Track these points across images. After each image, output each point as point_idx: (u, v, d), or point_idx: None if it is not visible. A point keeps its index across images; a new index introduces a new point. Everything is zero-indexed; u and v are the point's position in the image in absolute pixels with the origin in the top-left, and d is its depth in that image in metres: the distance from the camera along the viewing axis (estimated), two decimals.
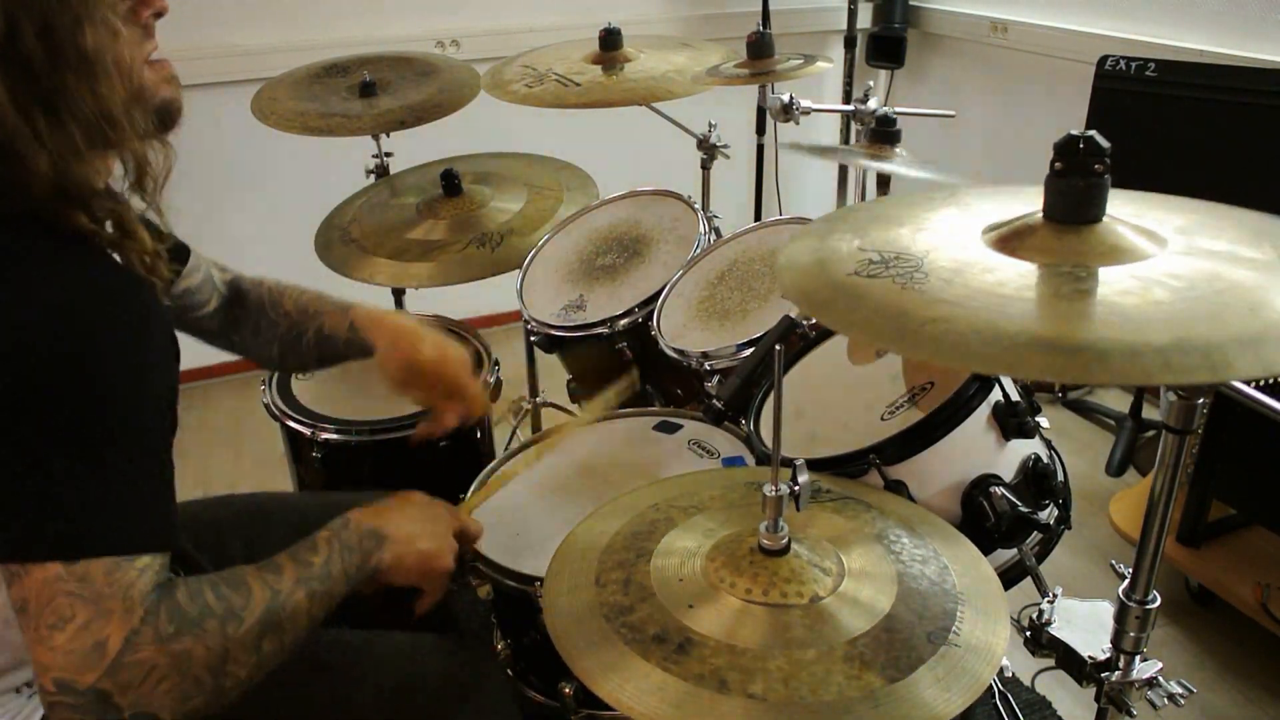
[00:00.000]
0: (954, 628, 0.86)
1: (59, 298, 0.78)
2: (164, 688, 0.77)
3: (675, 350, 1.55)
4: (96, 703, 0.75)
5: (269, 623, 0.85)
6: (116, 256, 0.88)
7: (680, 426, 1.49)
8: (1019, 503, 1.12)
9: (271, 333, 1.29)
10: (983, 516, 1.12)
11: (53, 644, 0.75)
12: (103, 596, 0.76)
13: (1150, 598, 0.93)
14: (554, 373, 2.02)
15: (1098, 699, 0.98)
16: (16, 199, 0.81)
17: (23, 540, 0.76)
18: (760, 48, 1.74)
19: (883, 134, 1.45)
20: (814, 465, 0.92)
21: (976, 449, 1.16)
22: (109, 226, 0.87)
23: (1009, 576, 1.18)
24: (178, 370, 0.89)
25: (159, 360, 0.84)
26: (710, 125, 1.99)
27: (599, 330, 1.68)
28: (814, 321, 1.35)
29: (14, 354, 0.75)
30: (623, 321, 1.67)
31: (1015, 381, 1.21)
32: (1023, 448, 1.19)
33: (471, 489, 1.37)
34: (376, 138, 2.11)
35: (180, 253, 1.21)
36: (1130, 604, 0.93)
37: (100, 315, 0.79)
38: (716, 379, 1.48)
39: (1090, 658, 0.97)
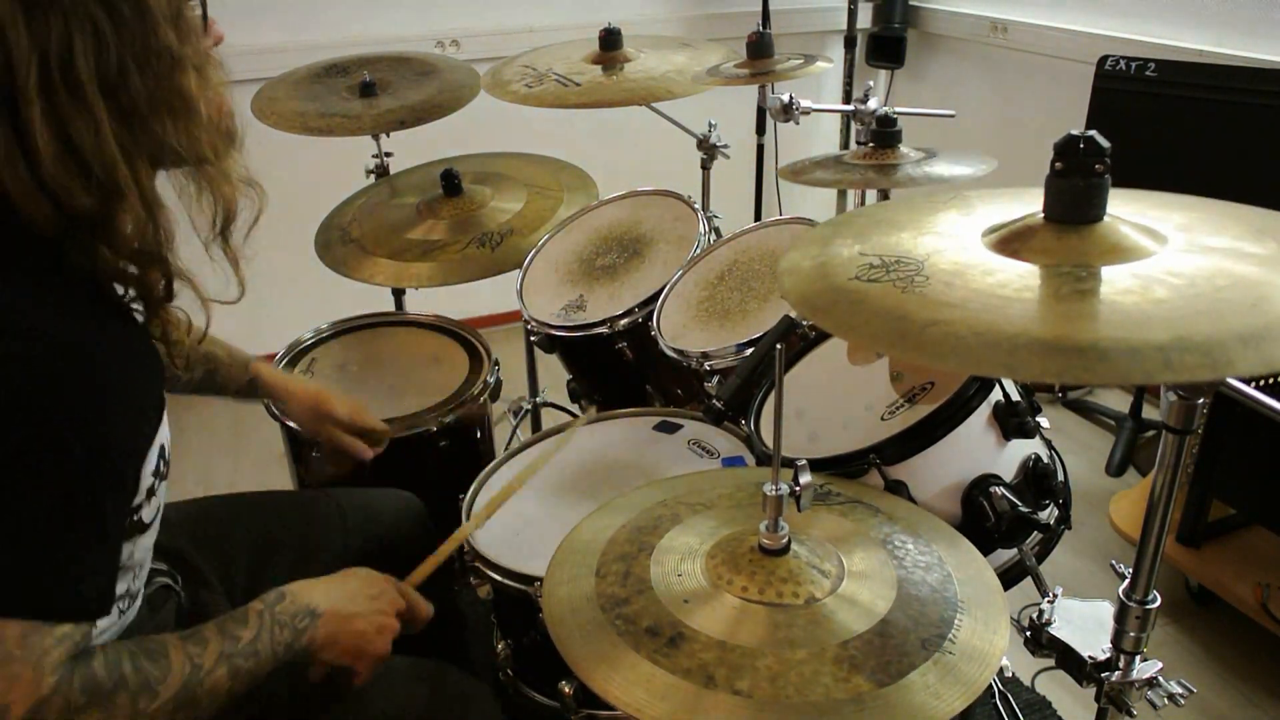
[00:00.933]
0: (950, 635, 0.86)
1: (22, 341, 0.75)
2: None
3: (675, 350, 1.55)
4: None
5: (184, 699, 0.83)
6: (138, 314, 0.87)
7: (680, 426, 1.49)
8: (1019, 503, 1.12)
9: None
10: (983, 516, 1.12)
11: None
12: (12, 659, 0.73)
13: (1150, 598, 0.93)
14: (554, 373, 2.02)
15: (1098, 699, 0.98)
16: (98, 249, 0.80)
17: None
18: (760, 48, 1.74)
19: (883, 134, 1.44)
20: (814, 465, 0.92)
21: (977, 449, 1.16)
22: (155, 293, 0.86)
23: (1009, 576, 1.18)
24: (150, 433, 0.86)
25: (135, 422, 0.82)
26: (710, 125, 1.99)
27: (599, 330, 1.68)
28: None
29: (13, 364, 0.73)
30: (623, 321, 1.67)
31: (1015, 381, 1.21)
32: (1023, 448, 1.19)
33: (469, 501, 1.37)
34: (376, 138, 2.11)
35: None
36: (1130, 604, 0.93)
37: (58, 374, 0.75)
38: (716, 379, 1.48)
39: (1090, 658, 0.97)
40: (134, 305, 0.89)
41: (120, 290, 0.87)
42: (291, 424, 1.54)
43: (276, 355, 1.83)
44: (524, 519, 1.32)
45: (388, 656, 1.03)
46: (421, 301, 2.15)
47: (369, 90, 1.97)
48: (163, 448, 0.92)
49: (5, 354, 0.73)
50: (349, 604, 1.00)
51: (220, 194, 0.87)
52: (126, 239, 0.81)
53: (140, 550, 0.98)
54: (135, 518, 0.92)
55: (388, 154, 2.17)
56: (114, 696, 0.78)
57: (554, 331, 1.73)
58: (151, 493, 0.92)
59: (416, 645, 1.48)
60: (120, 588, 0.95)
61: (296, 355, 1.84)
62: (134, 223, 0.81)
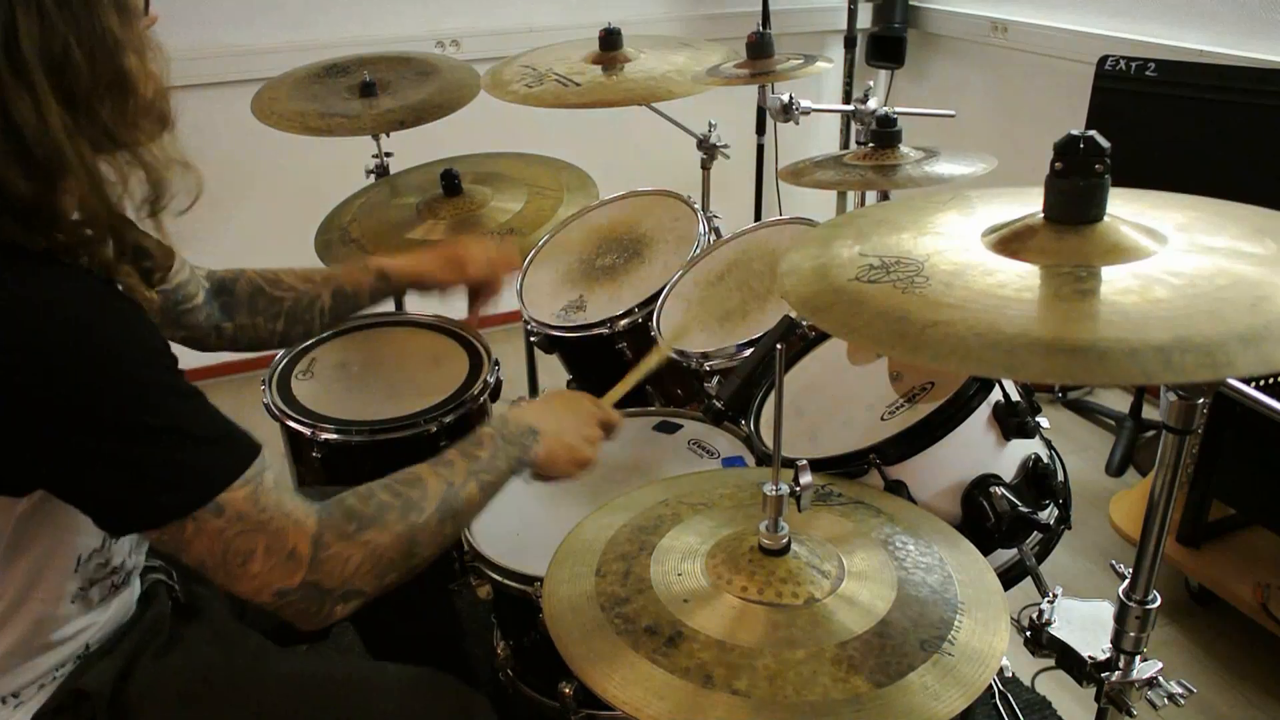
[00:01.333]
0: (949, 636, 0.86)
1: (71, 310, 0.79)
2: (363, 570, 0.89)
3: (675, 350, 1.55)
4: (311, 591, 0.87)
5: (447, 510, 0.96)
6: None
7: (680, 426, 1.49)
8: (1019, 503, 1.12)
9: (274, 309, 1.36)
10: (983, 516, 1.12)
11: (252, 572, 0.84)
12: (264, 520, 0.84)
13: (1150, 598, 0.93)
14: (554, 373, 2.02)
15: (1098, 699, 0.98)
16: (45, 226, 0.81)
17: (157, 509, 0.82)
18: (760, 48, 1.74)
19: (883, 134, 1.45)
20: (814, 465, 0.92)
21: (977, 449, 1.16)
22: (110, 252, 0.87)
23: (1009, 576, 1.18)
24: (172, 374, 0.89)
25: (163, 346, 0.88)
26: (710, 125, 1.99)
27: (599, 330, 1.68)
28: None
29: (48, 355, 0.77)
30: (623, 321, 1.67)
31: (1015, 381, 1.21)
32: (1023, 448, 1.19)
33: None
34: (376, 138, 2.11)
35: (167, 255, 1.20)
36: (1130, 604, 0.93)
37: (113, 317, 0.83)
38: (716, 379, 1.48)
39: (1090, 658, 0.97)
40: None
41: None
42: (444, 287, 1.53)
43: (277, 355, 1.83)
44: (524, 519, 1.32)
45: (594, 463, 1.18)
46: (421, 301, 2.15)
47: (369, 90, 1.97)
48: None
49: (75, 316, 0.79)
50: (559, 421, 1.15)
51: (152, 174, 0.87)
52: (67, 214, 0.83)
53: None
54: None
55: (388, 154, 2.17)
56: (382, 516, 0.91)
57: (554, 331, 1.73)
58: None
59: (414, 647, 1.48)
60: (117, 560, 0.99)
61: (297, 355, 1.84)
62: (80, 201, 0.82)
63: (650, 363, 1.34)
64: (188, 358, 1.67)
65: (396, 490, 0.94)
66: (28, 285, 0.79)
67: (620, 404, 1.60)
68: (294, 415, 1.65)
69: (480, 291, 1.55)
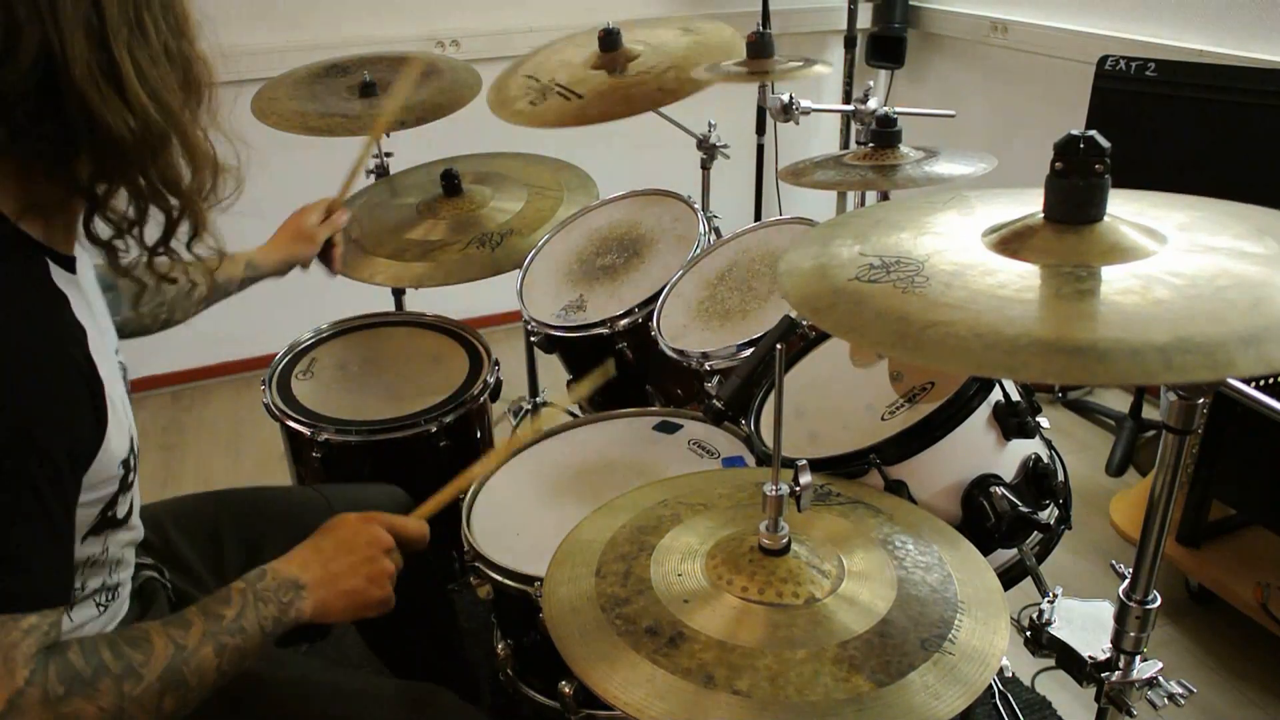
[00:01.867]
0: (950, 635, 0.86)
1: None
2: None
3: (675, 350, 1.55)
4: None
5: (171, 680, 0.82)
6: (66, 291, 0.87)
7: (680, 426, 1.49)
8: (1019, 503, 1.12)
9: (158, 299, 1.31)
10: (983, 516, 1.12)
11: None
12: None
13: (1150, 598, 0.93)
14: (554, 373, 2.02)
15: (1098, 699, 0.98)
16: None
17: None
18: (760, 48, 1.74)
19: (883, 134, 1.44)
20: (814, 465, 0.92)
21: (977, 449, 1.16)
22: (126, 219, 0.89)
23: (1009, 576, 1.18)
24: (96, 434, 0.85)
25: (59, 417, 0.81)
26: (710, 125, 1.99)
27: (599, 330, 1.68)
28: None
29: None
30: (623, 321, 1.67)
31: (1015, 381, 1.21)
32: (1023, 448, 1.19)
33: (470, 500, 1.37)
34: (376, 138, 2.11)
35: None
36: (1130, 604, 0.93)
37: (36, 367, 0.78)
38: (716, 379, 1.48)
39: (1090, 658, 0.97)
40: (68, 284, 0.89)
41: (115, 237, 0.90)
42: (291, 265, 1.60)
43: (277, 355, 1.83)
44: (524, 519, 1.32)
45: (390, 600, 1.03)
46: (421, 301, 2.15)
47: (369, 90, 1.97)
48: (133, 440, 0.93)
49: None
50: (331, 565, 0.99)
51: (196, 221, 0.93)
52: (167, 170, 0.86)
53: (116, 546, 0.98)
54: (110, 513, 0.92)
55: (388, 154, 2.17)
56: (96, 683, 0.78)
57: (554, 331, 1.73)
58: (125, 485, 0.92)
59: (415, 647, 1.48)
60: (95, 582, 0.96)
61: (297, 355, 1.84)
62: (173, 167, 0.87)
63: (462, 482, 1.23)
64: (189, 357, 1.67)
65: (120, 650, 0.81)
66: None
67: (621, 404, 1.61)
68: (294, 415, 1.65)
69: (331, 248, 1.64)
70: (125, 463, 0.91)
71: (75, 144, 0.80)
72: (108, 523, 0.93)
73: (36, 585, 0.78)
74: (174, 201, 0.89)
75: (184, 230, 0.93)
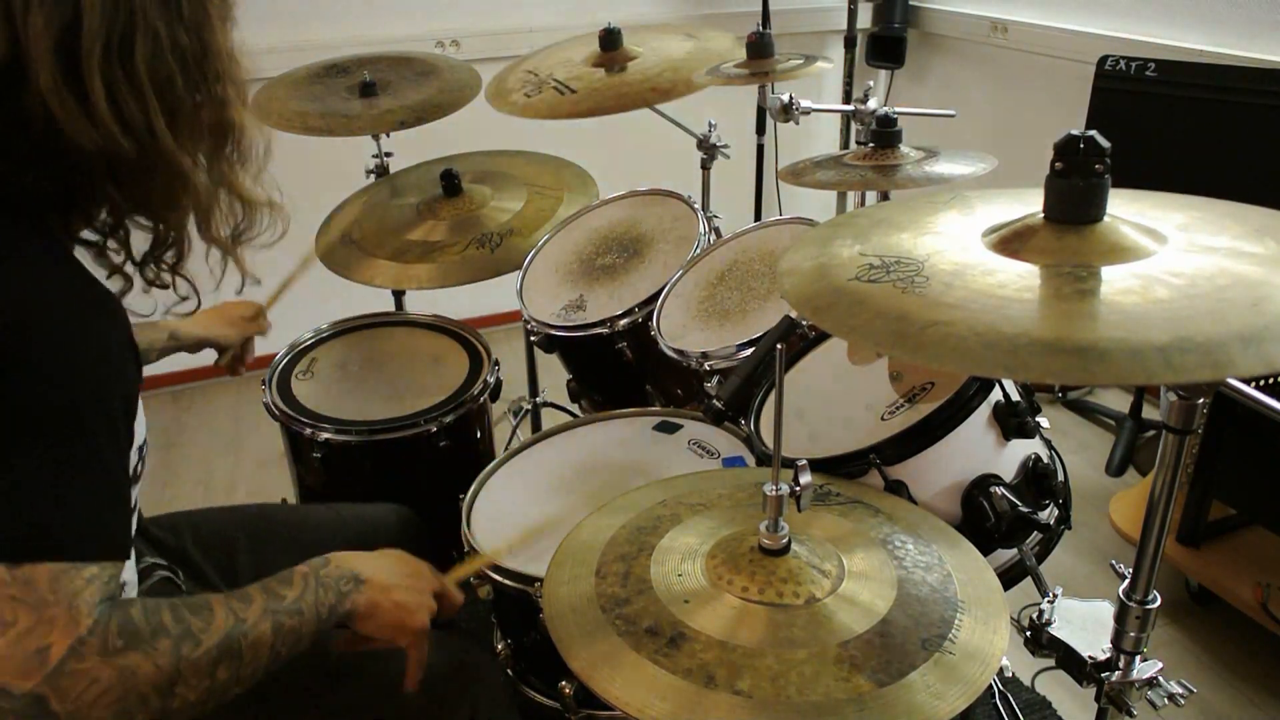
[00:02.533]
0: (950, 635, 0.86)
1: (19, 298, 0.78)
2: (105, 701, 0.76)
3: (675, 350, 1.55)
4: (33, 707, 0.73)
5: (227, 650, 0.83)
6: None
7: (680, 426, 1.49)
8: (1019, 503, 1.12)
9: None
10: (983, 516, 1.12)
11: None
12: (45, 603, 0.74)
13: (1150, 598, 0.93)
14: (554, 373, 2.02)
15: (1098, 699, 0.98)
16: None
17: None
18: (760, 48, 1.74)
19: (883, 134, 1.44)
20: (814, 465, 0.92)
21: (977, 449, 1.16)
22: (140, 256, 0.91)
23: (1009, 576, 1.18)
24: (136, 383, 0.88)
25: (114, 372, 0.83)
26: (710, 125, 1.99)
27: (599, 330, 1.68)
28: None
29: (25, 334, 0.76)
30: (623, 321, 1.67)
31: (1015, 381, 1.21)
32: (1023, 448, 1.19)
33: (470, 500, 1.37)
34: (376, 138, 2.11)
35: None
36: (1130, 604, 0.93)
37: (59, 321, 0.79)
38: (716, 379, 1.48)
39: (1090, 658, 0.97)
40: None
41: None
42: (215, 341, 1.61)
43: (277, 355, 1.83)
44: (524, 519, 1.32)
45: (423, 636, 1.03)
46: (422, 301, 2.16)
47: (369, 90, 1.97)
48: (144, 434, 0.94)
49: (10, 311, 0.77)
50: (390, 576, 1.01)
51: (250, 212, 0.95)
52: (153, 194, 0.87)
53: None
54: None
55: (388, 154, 2.17)
56: (154, 641, 0.79)
57: (554, 331, 1.73)
58: (135, 477, 0.92)
59: None
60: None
61: (297, 355, 1.84)
62: (164, 187, 0.86)
63: (484, 561, 1.23)
64: (188, 358, 1.68)
65: (180, 615, 0.82)
66: (27, 262, 0.81)
67: (621, 404, 1.61)
68: (294, 415, 1.66)
69: (244, 348, 1.63)
70: (140, 449, 0.92)
71: (37, 147, 0.81)
72: None
73: (99, 535, 0.79)
74: (148, 222, 0.90)
75: (170, 255, 0.94)
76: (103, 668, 0.76)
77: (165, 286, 0.99)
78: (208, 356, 1.53)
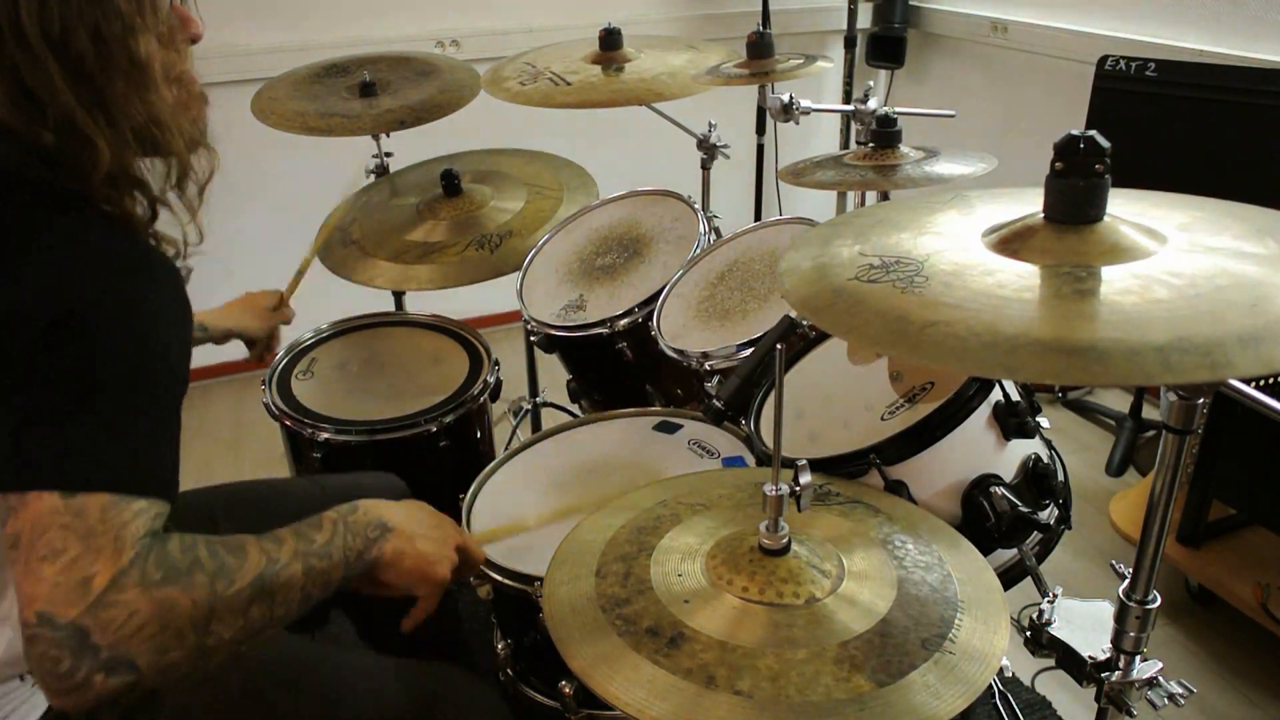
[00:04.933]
0: (950, 635, 0.86)
1: (75, 255, 0.82)
2: (144, 633, 0.77)
3: (675, 350, 1.55)
4: (74, 638, 0.74)
5: (261, 588, 0.84)
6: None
7: (680, 426, 1.49)
8: (1019, 503, 1.12)
9: None
10: (983, 516, 1.12)
11: (40, 575, 0.75)
12: (94, 533, 0.76)
13: (1150, 598, 0.93)
14: (554, 373, 2.02)
15: (1098, 699, 0.98)
16: (76, 179, 0.86)
17: (25, 469, 0.77)
18: (760, 48, 1.74)
19: (883, 134, 1.44)
20: (814, 465, 0.92)
21: (977, 449, 1.16)
22: (143, 210, 0.92)
23: (1009, 576, 1.18)
24: (190, 331, 0.91)
25: (169, 318, 0.86)
26: (710, 125, 1.99)
27: (599, 330, 1.68)
28: None
29: (32, 302, 0.79)
30: (623, 321, 1.67)
31: (1015, 381, 1.21)
32: (1023, 448, 1.19)
33: (470, 500, 1.37)
34: (376, 137, 2.11)
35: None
36: (1130, 604, 0.93)
37: (112, 270, 0.83)
38: (716, 379, 1.48)
39: (1090, 658, 0.97)
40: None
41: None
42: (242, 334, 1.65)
43: (277, 355, 1.83)
44: (524, 519, 1.32)
45: (442, 588, 1.05)
46: (422, 301, 2.15)
47: (369, 90, 1.97)
48: None
49: (72, 262, 0.82)
50: (416, 525, 1.03)
51: (175, 154, 0.93)
52: (99, 171, 0.86)
53: None
54: None
55: (388, 154, 2.17)
56: (191, 575, 0.80)
57: (554, 331, 1.73)
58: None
59: (416, 646, 1.48)
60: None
61: (297, 355, 1.84)
62: (104, 159, 0.86)
63: (509, 532, 1.28)
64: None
65: (215, 551, 0.84)
66: (81, 232, 0.84)
67: (621, 404, 1.61)
68: (294, 415, 1.66)
69: (270, 339, 1.68)
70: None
71: None
72: None
73: (150, 471, 0.82)
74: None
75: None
76: (141, 600, 0.77)
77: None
78: (208, 357, 1.53)
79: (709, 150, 2.00)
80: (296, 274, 1.73)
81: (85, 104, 0.84)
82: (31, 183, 0.86)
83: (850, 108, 1.73)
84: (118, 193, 0.88)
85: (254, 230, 2.83)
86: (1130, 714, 0.97)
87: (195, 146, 0.96)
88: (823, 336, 1.40)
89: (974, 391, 1.14)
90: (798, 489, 0.90)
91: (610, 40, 1.91)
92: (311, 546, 0.91)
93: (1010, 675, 0.97)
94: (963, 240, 0.90)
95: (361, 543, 0.96)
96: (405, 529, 1.01)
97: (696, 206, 1.84)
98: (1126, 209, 0.88)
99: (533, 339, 1.80)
